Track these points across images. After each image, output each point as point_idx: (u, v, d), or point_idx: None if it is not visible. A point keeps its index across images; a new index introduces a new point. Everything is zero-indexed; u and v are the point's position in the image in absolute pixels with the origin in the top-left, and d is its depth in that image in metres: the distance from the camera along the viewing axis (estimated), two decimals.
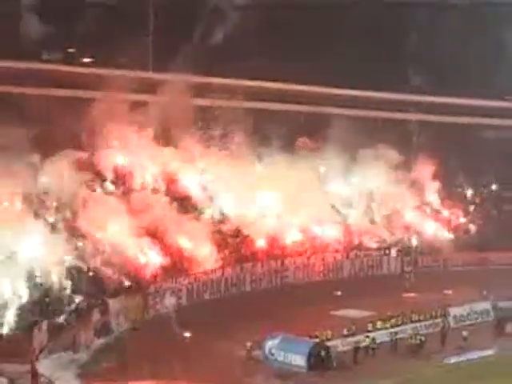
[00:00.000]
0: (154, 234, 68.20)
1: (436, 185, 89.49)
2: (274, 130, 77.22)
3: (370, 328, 55.96)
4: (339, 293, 70.07)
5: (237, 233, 74.63)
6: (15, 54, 65.72)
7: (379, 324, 56.73)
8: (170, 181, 76.28)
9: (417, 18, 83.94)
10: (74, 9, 67.16)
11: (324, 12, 78.21)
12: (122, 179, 74.09)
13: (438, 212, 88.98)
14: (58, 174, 66.18)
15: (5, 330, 52.48)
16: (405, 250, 79.79)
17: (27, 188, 62.93)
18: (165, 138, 75.31)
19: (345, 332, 55.07)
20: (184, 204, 74.20)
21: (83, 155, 71.25)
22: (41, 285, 57.22)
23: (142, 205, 70.46)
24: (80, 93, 70.11)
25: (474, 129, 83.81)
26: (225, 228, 74.36)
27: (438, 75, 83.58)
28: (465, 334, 56.93)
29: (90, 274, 61.99)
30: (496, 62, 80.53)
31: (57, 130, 66.33)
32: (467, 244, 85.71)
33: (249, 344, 52.22)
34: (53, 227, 62.72)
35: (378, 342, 54.56)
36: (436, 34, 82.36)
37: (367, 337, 54.49)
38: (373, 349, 53.91)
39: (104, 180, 72.23)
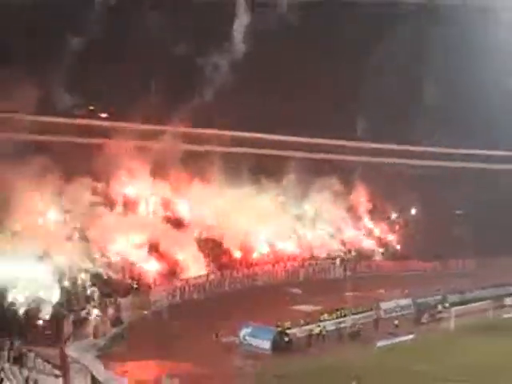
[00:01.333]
0: (154, 248, 68.45)
1: (369, 210, 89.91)
2: (243, 167, 76.95)
3: (320, 319, 55.89)
4: (296, 291, 70.14)
5: (218, 246, 74.27)
6: (51, 111, 65.63)
7: (327, 316, 56.75)
8: (166, 205, 76.43)
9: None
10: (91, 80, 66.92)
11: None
12: (129, 204, 74.16)
13: (370, 231, 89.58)
14: (78, 197, 66.24)
15: (41, 322, 52.38)
16: (346, 260, 79.80)
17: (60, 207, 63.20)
18: (161, 173, 75.21)
19: (301, 322, 54.94)
20: (176, 223, 74.09)
21: (100, 185, 71.38)
22: (69, 286, 57.43)
23: (144, 224, 70.64)
24: (98, 140, 69.92)
25: (399, 167, 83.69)
26: (209, 242, 74.02)
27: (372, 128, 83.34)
28: (396, 322, 57.81)
29: (105, 278, 62.18)
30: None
31: (81, 165, 66.13)
32: (393, 255, 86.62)
33: (220, 332, 51.98)
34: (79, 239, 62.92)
35: (326, 330, 54.34)
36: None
37: (318, 326, 54.35)
38: (322, 335, 53.72)
39: (115, 204, 72.33)
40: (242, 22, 77.61)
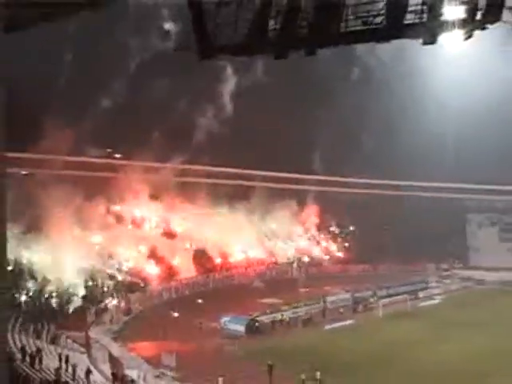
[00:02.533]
0: (155, 255, 68.88)
1: (318, 226, 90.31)
2: (222, 194, 77.37)
3: (281, 309, 56.24)
4: (261, 285, 70.78)
5: (203, 254, 74.56)
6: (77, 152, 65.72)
7: (286, 307, 56.82)
8: (164, 223, 76.72)
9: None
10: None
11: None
12: (135, 222, 74.34)
13: (319, 242, 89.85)
14: (97, 217, 66.57)
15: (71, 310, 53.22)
16: (300, 264, 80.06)
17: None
18: (161, 198, 75.30)
19: (267, 311, 55.43)
20: (171, 237, 74.53)
21: (113, 207, 71.50)
22: (91, 285, 57.87)
23: (147, 237, 70.82)
24: (113, 174, 69.90)
25: (340, 194, 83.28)
26: (197, 251, 74.35)
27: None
28: (341, 310, 58.12)
29: (119, 279, 62.46)
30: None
31: (100, 193, 66.13)
32: (336, 260, 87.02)
33: (203, 321, 52.01)
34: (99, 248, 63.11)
35: (285, 317, 54.70)
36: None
37: (281, 314, 54.80)
38: (284, 321, 54.19)
39: (125, 221, 72.54)
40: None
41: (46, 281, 54.98)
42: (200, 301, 60.90)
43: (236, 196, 78.81)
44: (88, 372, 36.17)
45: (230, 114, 77.13)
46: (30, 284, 54.71)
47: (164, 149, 68.38)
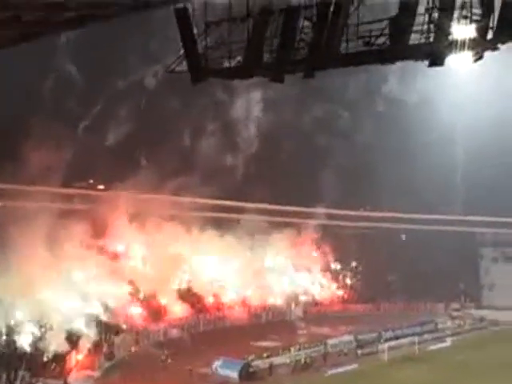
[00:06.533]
0: (141, 293, 68.36)
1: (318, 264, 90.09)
2: (216, 229, 76.92)
3: (279, 353, 55.75)
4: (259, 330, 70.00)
5: (194, 294, 73.77)
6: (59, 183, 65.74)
7: (284, 350, 56.49)
8: (151, 259, 76.15)
9: None
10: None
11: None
12: (119, 257, 73.82)
13: (318, 279, 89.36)
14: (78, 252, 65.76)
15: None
16: (299, 303, 79.75)
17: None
18: (147, 231, 74.95)
19: (263, 355, 54.85)
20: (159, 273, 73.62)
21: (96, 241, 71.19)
22: (71, 328, 57.28)
23: (133, 274, 70.26)
24: (95, 206, 69.86)
25: (342, 228, 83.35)
26: (187, 290, 73.79)
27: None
28: (344, 353, 58.19)
29: (101, 320, 61.62)
30: None
31: (81, 226, 65.74)
32: (337, 299, 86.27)
33: (193, 367, 51.49)
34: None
35: (283, 362, 54.36)
36: None
37: (277, 359, 54.25)
38: (281, 366, 53.75)
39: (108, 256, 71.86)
40: None
41: (19, 323, 54.33)
42: (190, 343, 60.64)
43: (229, 230, 78.13)
44: None
45: (222, 144, 77.77)
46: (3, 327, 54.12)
47: (152, 178, 68.46)
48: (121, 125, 73.23)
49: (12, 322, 54.57)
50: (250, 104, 78.46)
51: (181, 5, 18.41)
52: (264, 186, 73.45)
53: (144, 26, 53.53)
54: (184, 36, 18.76)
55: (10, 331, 53.97)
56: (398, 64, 17.76)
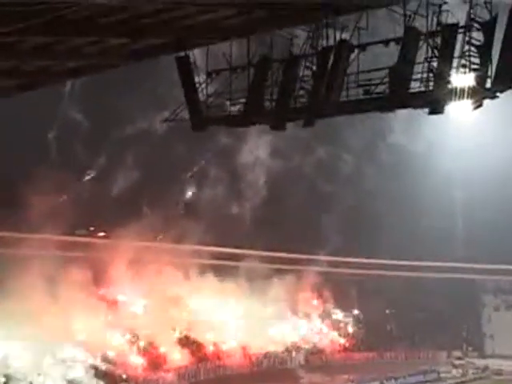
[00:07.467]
0: (141, 342, 67.79)
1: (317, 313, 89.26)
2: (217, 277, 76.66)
3: None
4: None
5: (194, 342, 72.90)
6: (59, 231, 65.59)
7: None
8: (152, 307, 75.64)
9: None
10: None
11: None
12: (119, 305, 73.40)
13: (320, 328, 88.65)
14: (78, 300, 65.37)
15: None
16: (300, 351, 79.29)
17: None
18: (147, 280, 74.56)
19: None
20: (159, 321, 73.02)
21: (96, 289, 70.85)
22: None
23: (132, 322, 69.77)
24: (97, 254, 69.77)
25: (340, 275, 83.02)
26: (187, 338, 72.99)
27: None
28: None
29: (100, 370, 61.27)
30: None
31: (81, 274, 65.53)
32: (339, 347, 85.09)
33: None
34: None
35: None
36: None
37: None
38: None
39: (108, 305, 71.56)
40: None
41: (18, 372, 53.70)
42: None
43: (229, 275, 77.59)
44: None
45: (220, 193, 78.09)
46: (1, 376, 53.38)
47: (152, 226, 68.39)
48: (125, 172, 73.42)
49: (11, 371, 53.96)
50: (253, 149, 78.60)
51: (182, 53, 18.65)
52: (264, 233, 73.58)
53: (151, 72, 53.76)
54: (185, 84, 18.97)
55: (9, 380, 53.34)
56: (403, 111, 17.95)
